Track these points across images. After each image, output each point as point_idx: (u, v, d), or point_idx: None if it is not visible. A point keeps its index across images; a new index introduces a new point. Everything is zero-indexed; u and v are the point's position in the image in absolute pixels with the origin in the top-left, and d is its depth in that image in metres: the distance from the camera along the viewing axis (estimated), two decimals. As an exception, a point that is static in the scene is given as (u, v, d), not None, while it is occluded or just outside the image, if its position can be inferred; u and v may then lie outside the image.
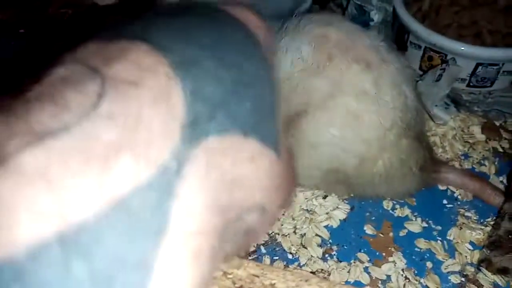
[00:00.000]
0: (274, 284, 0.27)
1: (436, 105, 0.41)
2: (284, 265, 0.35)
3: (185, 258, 0.14)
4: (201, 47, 0.16)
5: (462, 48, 0.43)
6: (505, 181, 0.39)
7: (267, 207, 0.17)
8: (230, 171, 0.15)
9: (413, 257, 0.35)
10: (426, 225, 0.37)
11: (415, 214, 0.38)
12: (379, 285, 0.34)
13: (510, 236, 0.33)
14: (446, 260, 0.35)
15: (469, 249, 0.35)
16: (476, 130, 0.43)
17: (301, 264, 0.35)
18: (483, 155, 0.42)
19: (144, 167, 0.13)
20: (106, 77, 0.14)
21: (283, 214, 0.38)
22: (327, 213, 0.38)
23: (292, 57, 0.31)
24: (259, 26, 0.19)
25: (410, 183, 0.35)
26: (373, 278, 0.34)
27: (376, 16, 0.48)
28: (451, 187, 0.39)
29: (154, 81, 0.14)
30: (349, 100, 0.31)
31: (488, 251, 0.34)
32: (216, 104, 0.15)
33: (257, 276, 0.27)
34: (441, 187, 0.39)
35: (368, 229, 0.37)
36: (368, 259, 0.35)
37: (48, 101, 0.13)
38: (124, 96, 0.13)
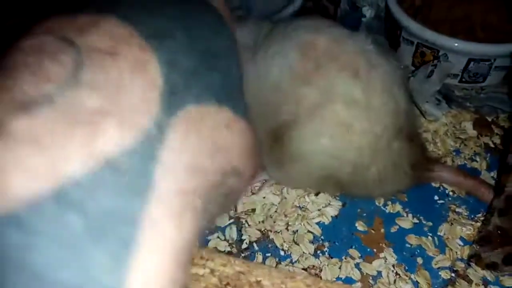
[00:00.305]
0: (260, 281, 0.28)
1: (427, 101, 0.41)
2: (277, 262, 0.35)
3: (169, 216, 0.15)
4: (171, 19, 0.16)
5: (454, 44, 0.43)
6: (496, 176, 0.39)
7: (243, 171, 0.19)
8: (209, 136, 0.16)
9: (404, 253, 0.35)
10: (417, 221, 0.37)
11: (407, 210, 0.38)
12: (370, 281, 0.34)
13: (499, 232, 0.33)
14: (437, 255, 0.35)
15: (460, 245, 0.35)
16: (468, 126, 0.43)
17: (293, 261, 0.35)
18: (475, 151, 0.42)
19: (128, 132, 0.14)
20: (81, 47, 0.14)
21: (276, 211, 0.38)
22: (319, 210, 0.38)
23: (280, 65, 0.31)
24: (227, 12, 0.20)
25: (403, 182, 0.35)
26: (364, 274, 0.34)
27: (368, 12, 0.48)
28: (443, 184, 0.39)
29: (129, 51, 0.14)
30: (339, 108, 0.30)
31: (478, 247, 0.34)
32: (191, 74, 0.16)
33: (243, 274, 0.27)
34: (433, 184, 0.39)
35: (360, 226, 0.37)
36: (359, 255, 0.35)
37: (27, 71, 0.13)
38: (102, 65, 0.14)
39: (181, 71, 0.15)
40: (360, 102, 0.30)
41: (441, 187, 0.39)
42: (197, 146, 0.15)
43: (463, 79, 0.46)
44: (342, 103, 0.30)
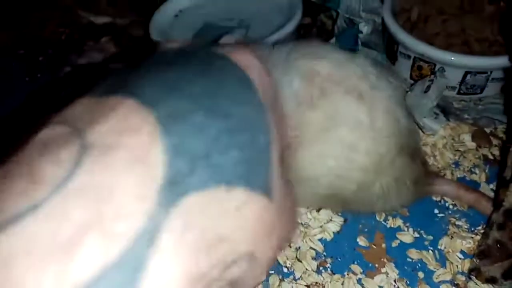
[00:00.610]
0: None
1: (424, 116, 0.42)
2: (280, 279, 0.36)
3: None
4: (191, 98, 0.16)
5: (450, 58, 0.44)
6: (495, 188, 0.40)
7: (257, 255, 0.17)
8: (211, 227, 0.15)
9: (405, 267, 0.36)
10: (418, 235, 0.38)
11: (407, 224, 0.38)
12: (372, 296, 0.34)
13: (498, 246, 0.34)
14: (438, 269, 0.35)
15: (460, 258, 0.36)
16: (467, 138, 0.44)
17: (296, 278, 0.36)
18: (474, 163, 0.42)
19: (113, 243, 0.13)
20: (86, 142, 0.14)
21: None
22: (321, 226, 0.39)
23: (285, 94, 0.32)
24: (258, 69, 0.19)
25: (406, 197, 0.35)
26: (366, 290, 0.35)
27: (365, 28, 0.49)
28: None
29: (135, 140, 0.14)
30: (344, 131, 0.31)
31: (478, 260, 0.34)
32: (198, 156, 0.15)
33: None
34: (433, 197, 0.40)
35: (361, 241, 0.38)
36: (361, 270, 0.36)
37: (23, 174, 0.13)
38: (100, 164, 0.14)
39: (188, 156, 0.15)
40: (365, 123, 0.31)
41: (441, 200, 0.40)
42: (197, 243, 0.14)
43: (461, 91, 0.47)
44: (347, 125, 0.31)
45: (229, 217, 0.16)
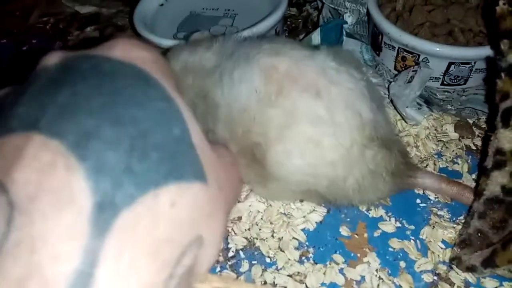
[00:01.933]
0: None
1: (407, 106, 0.42)
2: (262, 269, 0.36)
3: None
4: (92, 115, 0.16)
5: (434, 49, 0.44)
6: (477, 179, 0.40)
7: (205, 236, 0.17)
8: (149, 236, 0.15)
9: (387, 257, 0.36)
10: (400, 225, 0.38)
11: (389, 214, 0.39)
12: (354, 286, 0.34)
13: (479, 235, 0.34)
14: (419, 259, 0.36)
15: (442, 248, 0.36)
16: (449, 128, 0.44)
17: (279, 268, 0.36)
18: (456, 153, 0.43)
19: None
20: (10, 198, 0.14)
21: (262, 219, 0.39)
22: (304, 216, 0.39)
23: (246, 89, 0.32)
24: (149, 58, 0.19)
25: (383, 190, 0.35)
26: (348, 279, 0.35)
27: (350, 19, 0.48)
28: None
29: (54, 180, 0.14)
30: (305, 128, 0.31)
31: (459, 250, 0.35)
32: (119, 170, 0.15)
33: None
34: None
35: (344, 231, 0.38)
36: (343, 260, 0.36)
37: None
38: (29, 216, 0.13)
39: (110, 174, 0.15)
40: (325, 119, 0.31)
41: (423, 191, 0.40)
42: (137, 256, 0.14)
43: (445, 82, 0.47)
44: (307, 122, 0.31)
45: (165, 218, 0.16)
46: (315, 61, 0.32)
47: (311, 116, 0.31)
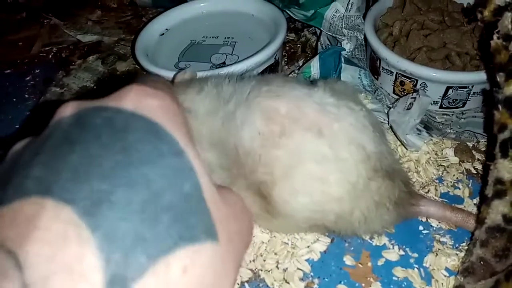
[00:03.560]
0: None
1: (407, 134, 0.42)
2: (268, 301, 0.36)
3: None
4: (105, 178, 0.16)
5: (431, 74, 0.44)
6: (478, 203, 0.40)
7: None
8: None
9: (391, 286, 0.36)
10: (403, 253, 0.38)
11: (393, 242, 0.39)
12: (359, 316, 0.35)
13: (481, 263, 0.34)
14: (423, 287, 0.36)
15: (445, 276, 0.36)
16: (450, 153, 0.44)
17: (284, 299, 0.36)
18: (457, 177, 0.43)
19: None
20: (25, 278, 0.14)
21: (266, 249, 0.39)
22: (307, 247, 0.39)
23: (250, 132, 0.32)
24: (160, 107, 0.19)
25: (388, 220, 0.36)
26: (353, 310, 0.35)
27: (347, 46, 0.49)
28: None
29: (66, 255, 0.14)
30: (310, 166, 0.32)
31: (462, 278, 0.35)
32: (130, 239, 0.15)
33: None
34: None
35: (348, 260, 0.38)
36: (348, 291, 0.36)
37: None
38: None
39: (122, 244, 0.15)
40: (329, 157, 0.31)
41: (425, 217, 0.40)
42: None
43: (443, 105, 0.47)
44: (311, 161, 0.32)
45: (179, 283, 0.16)
46: (315, 99, 0.33)
47: (316, 154, 0.32)
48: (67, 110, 0.19)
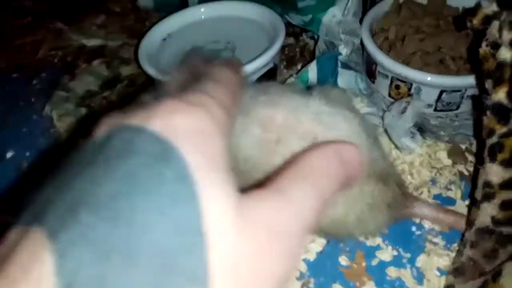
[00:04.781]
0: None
1: (401, 137, 0.43)
2: (266, 300, 0.37)
3: None
4: (92, 210, 0.14)
5: (426, 78, 0.46)
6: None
7: None
8: None
9: (384, 285, 0.38)
10: (396, 253, 0.39)
11: (386, 242, 0.40)
12: (353, 315, 0.36)
13: (472, 263, 0.35)
14: (415, 287, 0.37)
15: (437, 275, 0.38)
16: (443, 155, 0.45)
17: (281, 298, 0.38)
18: (450, 179, 0.44)
19: None
20: None
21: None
22: (304, 247, 0.40)
23: (249, 141, 0.34)
24: (197, 130, 0.16)
25: (382, 221, 0.37)
26: (348, 308, 0.37)
27: (344, 50, 0.50)
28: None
29: None
30: None
31: (452, 278, 0.36)
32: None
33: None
34: (411, 214, 0.42)
35: (343, 260, 0.39)
36: (343, 290, 0.38)
37: None
38: None
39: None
40: None
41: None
42: None
43: (437, 108, 0.49)
44: None
45: None
46: (310, 108, 0.34)
47: None
48: (102, 128, 0.17)
